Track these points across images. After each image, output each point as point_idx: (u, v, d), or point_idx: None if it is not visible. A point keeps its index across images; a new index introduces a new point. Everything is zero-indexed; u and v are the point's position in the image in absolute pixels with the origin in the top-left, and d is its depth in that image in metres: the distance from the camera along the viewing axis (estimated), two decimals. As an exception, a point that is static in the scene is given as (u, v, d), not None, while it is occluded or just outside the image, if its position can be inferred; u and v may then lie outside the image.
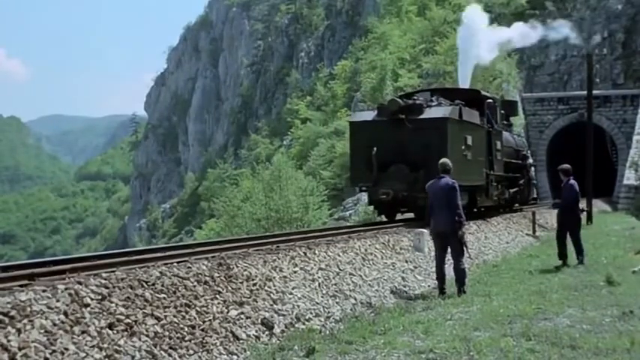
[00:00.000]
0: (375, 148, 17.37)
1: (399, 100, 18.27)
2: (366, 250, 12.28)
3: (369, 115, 18.92)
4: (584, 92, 33.14)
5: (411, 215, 18.94)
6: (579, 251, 14.36)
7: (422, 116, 17.59)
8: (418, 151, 17.09)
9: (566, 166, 14.84)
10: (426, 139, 17.04)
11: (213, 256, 9.36)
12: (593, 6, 55.93)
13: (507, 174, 24.02)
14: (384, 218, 19.30)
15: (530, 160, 29.75)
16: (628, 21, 54.30)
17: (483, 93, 22.45)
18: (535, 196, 30.95)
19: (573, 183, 14.52)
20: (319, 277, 10.08)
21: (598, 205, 33.53)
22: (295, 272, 9.78)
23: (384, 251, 12.78)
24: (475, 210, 21.00)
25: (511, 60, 43.18)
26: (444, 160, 11.94)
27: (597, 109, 41.96)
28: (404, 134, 17.32)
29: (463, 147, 18.21)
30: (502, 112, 24.32)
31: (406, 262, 12.96)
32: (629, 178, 40.06)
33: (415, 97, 19.26)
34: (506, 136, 24.42)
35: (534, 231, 22.37)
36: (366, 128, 18.37)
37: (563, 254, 14.32)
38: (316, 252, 10.87)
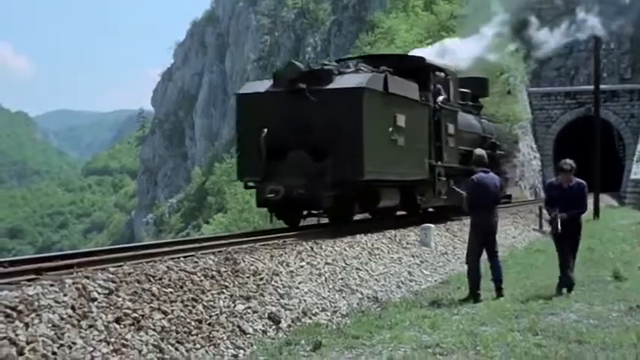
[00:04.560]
0: (265, 130, 13.00)
1: (298, 64, 13.88)
2: (372, 244, 12.28)
3: (262, 86, 14.22)
4: (592, 87, 33.07)
5: (363, 216, 16.17)
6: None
7: (330, 86, 13.14)
8: (324, 132, 12.88)
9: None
10: (335, 117, 12.84)
11: (219, 251, 9.37)
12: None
13: (466, 166, 17.86)
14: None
15: (503, 151, 24.26)
16: (636, 15, 54.06)
17: (429, 61, 17.34)
18: (509, 193, 25.13)
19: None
20: (326, 272, 10.09)
21: (605, 200, 33.46)
22: (302, 267, 9.79)
23: (390, 246, 12.78)
24: (420, 212, 16.89)
25: (518, 55, 42.97)
26: (480, 152, 10.99)
27: (604, 104, 41.84)
28: (305, 110, 12.98)
29: (391, 129, 13.85)
30: (467, 90, 20.72)
31: (413, 256, 12.95)
32: (636, 172, 39.96)
33: (326, 63, 14.90)
34: (466, 118, 19.83)
35: (541, 226, 22.31)
36: (257, 103, 13.77)
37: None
38: (323, 247, 10.88)
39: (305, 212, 14.26)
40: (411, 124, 14.71)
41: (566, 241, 10.41)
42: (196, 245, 10.15)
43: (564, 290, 10.20)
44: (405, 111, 14.48)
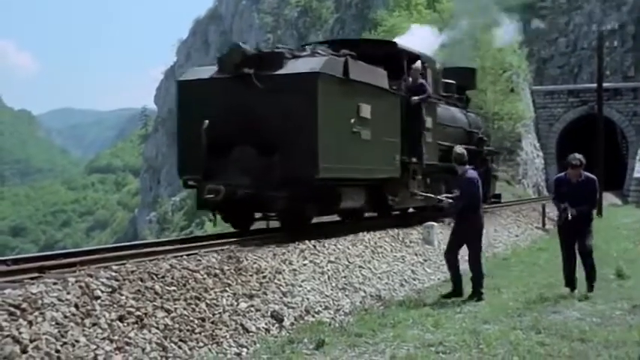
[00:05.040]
0: (206, 122, 11.44)
1: (244, 46, 12.18)
2: (375, 243, 12.28)
3: (207, 72, 12.43)
4: (595, 85, 33.05)
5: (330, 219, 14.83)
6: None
7: (280, 71, 11.47)
8: (273, 124, 11.26)
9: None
10: (285, 107, 11.20)
11: (222, 249, 9.38)
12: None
13: (448, 163, 15.26)
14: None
15: (491, 147, 22.18)
16: (639, 13, 54.05)
17: (401, 47, 15.40)
18: (498, 192, 23.06)
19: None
20: (329, 270, 10.09)
21: (608, 198, 33.45)
22: (305, 265, 9.80)
23: (393, 244, 12.78)
24: (394, 213, 15.12)
25: (521, 53, 42.98)
26: (461, 149, 10.69)
27: (607, 102, 41.77)
28: (252, 99, 11.44)
29: (353, 120, 12.09)
30: (451, 81, 19.04)
31: (416, 255, 12.95)
32: (639, 171, 39.92)
33: (279, 46, 13.04)
34: (449, 111, 18.18)
35: (544, 224, 22.30)
36: (199, 91, 12.12)
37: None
38: (325, 245, 10.88)
39: (258, 215, 12.64)
40: (378, 116, 12.86)
41: (571, 238, 10.21)
42: (199, 243, 10.16)
43: (568, 289, 10.14)
44: (371, 101, 12.63)
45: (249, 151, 11.40)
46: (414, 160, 14.71)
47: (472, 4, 34.08)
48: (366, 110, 12.45)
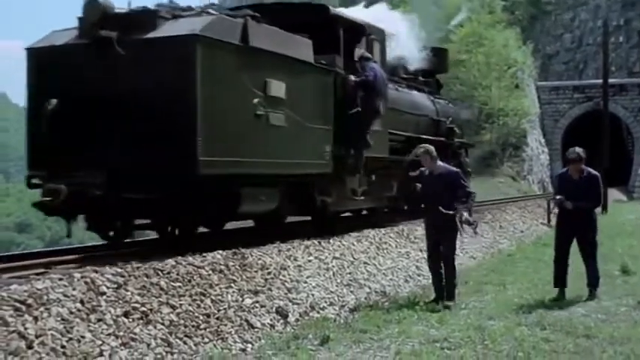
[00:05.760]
0: (52, 102, 8.82)
1: (105, 1, 8.97)
2: (380, 239, 12.27)
3: (63, 37, 9.39)
4: (600, 81, 32.98)
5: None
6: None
7: (151, 35, 8.61)
8: (139, 105, 8.45)
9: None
10: (155, 81, 8.44)
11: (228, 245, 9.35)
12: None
13: (397, 156, 13.94)
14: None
15: (463, 139, 19.30)
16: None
17: (335, 13, 12.39)
18: (472, 191, 19.32)
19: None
20: (333, 266, 10.09)
21: (613, 194, 33.40)
22: (310, 261, 9.80)
23: (398, 240, 12.76)
24: (328, 216, 12.19)
25: (526, 48, 42.91)
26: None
27: (613, 98, 41.67)
28: (114, 72, 8.61)
29: (257, 100, 9.25)
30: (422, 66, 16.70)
31: (420, 250, 12.92)
32: (644, 167, 39.87)
33: (161, 4, 9.64)
34: (410, 96, 15.54)
35: (549, 220, 22.23)
36: (50, 61, 9.21)
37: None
38: (330, 241, 10.87)
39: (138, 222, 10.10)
40: (298, 97, 10.22)
41: (567, 235, 9.57)
42: (204, 240, 10.13)
43: (557, 290, 9.48)
44: (286, 77, 9.91)
45: (108, 139, 8.62)
46: (353, 152, 11.94)
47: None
48: (277, 88, 9.71)
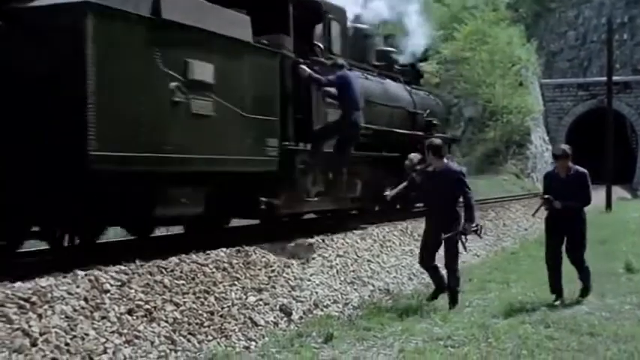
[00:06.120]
0: None
1: None
2: (384, 236, 12.26)
3: None
4: (604, 78, 32.87)
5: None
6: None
7: (34, 3, 7.08)
8: (21, 88, 6.89)
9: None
10: (39, 59, 6.89)
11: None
12: (613, -10, 55.51)
13: (377, 153, 13.22)
14: None
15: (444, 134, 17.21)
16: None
17: None
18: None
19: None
20: (337, 264, 10.09)
21: (617, 192, 33.33)
22: (313, 259, 9.80)
23: (402, 238, 12.75)
24: (277, 220, 11.47)
25: (530, 46, 42.84)
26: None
27: (617, 95, 41.62)
28: None
29: (174, 84, 7.70)
30: (389, 49, 15.86)
31: (424, 248, 12.92)
32: (649, 165, 39.81)
33: None
34: (381, 85, 14.13)
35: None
36: None
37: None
38: (334, 239, 10.87)
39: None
40: (232, 82, 8.70)
41: (556, 237, 9.07)
42: (208, 237, 10.12)
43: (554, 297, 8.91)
44: (215, 58, 8.37)
45: None
46: (303, 145, 10.50)
47: None
48: (202, 71, 8.17)
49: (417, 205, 15.17)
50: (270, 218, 10.72)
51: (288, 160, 10.01)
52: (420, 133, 15.07)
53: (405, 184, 9.50)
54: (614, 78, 33.40)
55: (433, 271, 9.21)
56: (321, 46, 11.24)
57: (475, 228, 8.90)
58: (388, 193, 9.77)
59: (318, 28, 11.23)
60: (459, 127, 40.25)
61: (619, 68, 49.00)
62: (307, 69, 10.29)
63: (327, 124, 10.79)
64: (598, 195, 26.41)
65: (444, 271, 9.13)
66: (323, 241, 10.54)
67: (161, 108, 7.63)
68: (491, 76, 37.85)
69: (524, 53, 40.96)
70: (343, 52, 11.84)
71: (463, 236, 8.76)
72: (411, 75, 16.72)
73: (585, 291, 9.07)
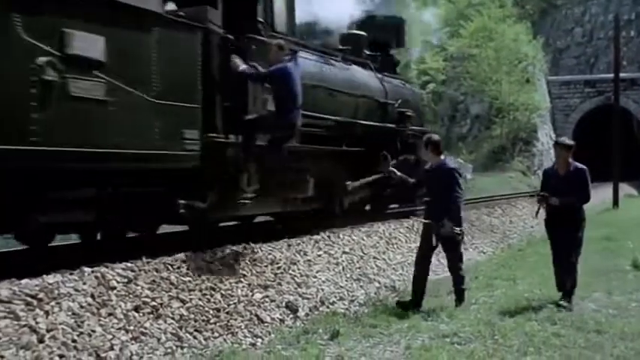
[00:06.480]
0: None
1: None
2: (390, 234, 12.25)
3: None
4: (611, 75, 32.73)
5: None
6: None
7: None
8: None
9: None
10: None
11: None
12: (620, -13, 55.35)
13: (336, 147, 11.82)
14: None
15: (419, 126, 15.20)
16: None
17: None
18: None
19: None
20: (343, 261, 10.09)
21: (624, 188, 33.20)
22: (319, 256, 9.80)
23: (408, 235, 12.74)
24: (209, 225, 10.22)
25: (536, 43, 42.72)
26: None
27: (624, 92, 41.41)
28: None
29: (42, 60, 6.05)
30: (360, 32, 14.09)
31: (430, 246, 12.90)
32: (656, 161, 39.69)
33: None
34: (346, 72, 12.52)
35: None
36: None
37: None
38: (340, 236, 10.87)
39: None
40: (133, 60, 7.14)
41: (560, 235, 8.72)
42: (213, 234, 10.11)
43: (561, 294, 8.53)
44: (109, 30, 6.75)
45: None
46: (233, 137, 8.84)
47: None
48: (87, 45, 6.50)
49: (391, 206, 14.69)
50: (199, 224, 9.45)
51: (216, 156, 8.37)
52: (392, 125, 13.83)
53: (412, 180, 9.23)
54: (621, 75, 33.24)
55: (421, 282, 8.74)
56: (264, 22, 9.57)
57: (457, 231, 8.34)
58: (394, 169, 9.31)
59: (261, 3, 9.56)
60: (465, 124, 40.22)
61: (626, 65, 48.76)
62: (240, 62, 8.64)
63: (262, 114, 9.06)
64: (605, 192, 26.46)
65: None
66: (329, 237, 10.54)
67: (21, 89, 5.97)
68: (497, 73, 37.79)
69: (530, 50, 40.87)
70: (289, 31, 10.19)
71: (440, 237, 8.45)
72: (385, 62, 14.97)
73: (569, 292, 8.52)
